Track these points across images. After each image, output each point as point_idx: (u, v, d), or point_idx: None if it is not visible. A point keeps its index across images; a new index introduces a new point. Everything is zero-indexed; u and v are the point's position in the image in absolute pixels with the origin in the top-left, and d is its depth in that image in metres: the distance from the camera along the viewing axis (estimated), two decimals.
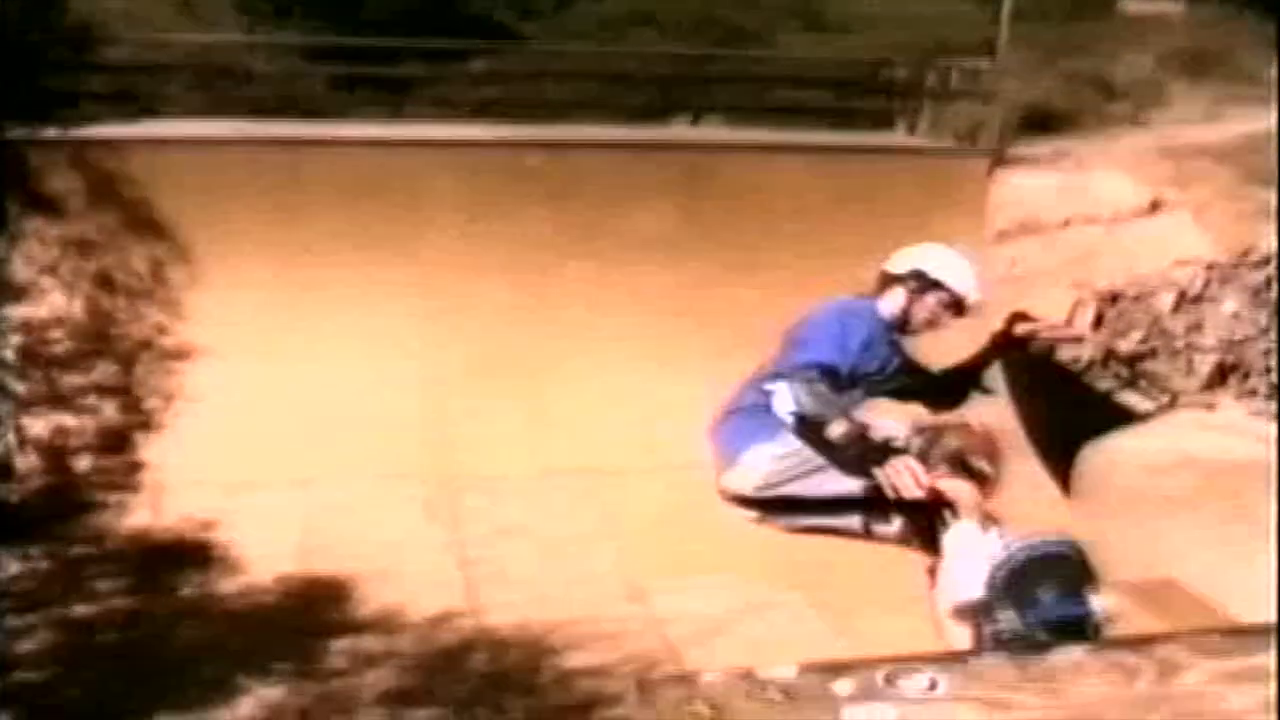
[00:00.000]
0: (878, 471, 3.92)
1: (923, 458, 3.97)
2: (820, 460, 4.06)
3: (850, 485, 4.06)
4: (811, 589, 7.37)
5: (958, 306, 4.37)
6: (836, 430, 3.90)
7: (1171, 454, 9.22)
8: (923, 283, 4.37)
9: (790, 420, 4.04)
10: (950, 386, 4.54)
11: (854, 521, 4.23)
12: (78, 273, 9.06)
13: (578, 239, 9.67)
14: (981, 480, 4.06)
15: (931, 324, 4.38)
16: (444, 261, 9.57)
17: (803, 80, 14.72)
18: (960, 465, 4.05)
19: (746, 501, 4.27)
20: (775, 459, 4.12)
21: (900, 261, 4.44)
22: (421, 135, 10.91)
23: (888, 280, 4.44)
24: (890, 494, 3.93)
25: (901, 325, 4.39)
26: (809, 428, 3.99)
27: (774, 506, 4.24)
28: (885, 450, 3.94)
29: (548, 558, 7.89)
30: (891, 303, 4.39)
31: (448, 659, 6.71)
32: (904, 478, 3.85)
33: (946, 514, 4.03)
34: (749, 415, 4.17)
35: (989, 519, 4.03)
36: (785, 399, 4.04)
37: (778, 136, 12.01)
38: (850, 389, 4.16)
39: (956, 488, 3.99)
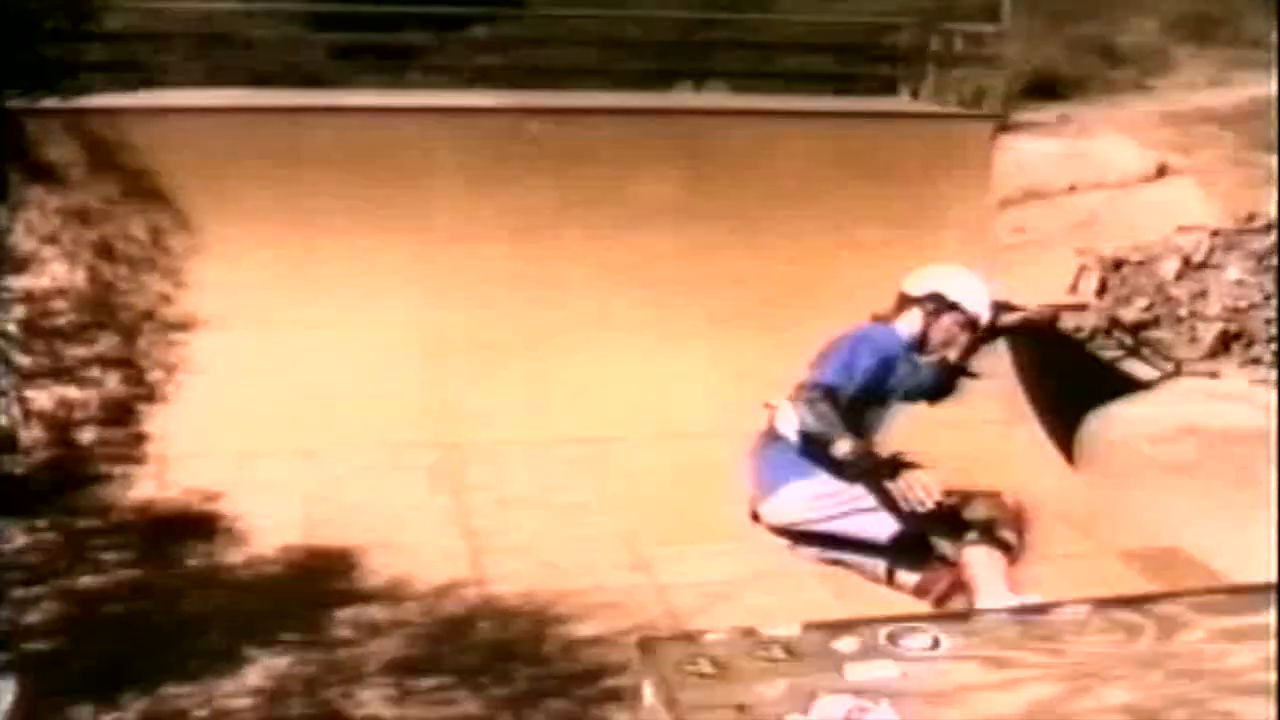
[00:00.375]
0: (890, 485, 4.08)
1: (952, 523, 4.17)
2: (858, 504, 4.20)
3: (881, 530, 4.21)
4: None
5: (973, 326, 4.52)
6: (842, 448, 4.03)
7: (1175, 422, 9.22)
8: (940, 305, 4.49)
9: (796, 438, 4.17)
10: (940, 378, 4.67)
11: (879, 566, 4.39)
12: (79, 242, 9.04)
13: (580, 206, 9.64)
14: (1007, 550, 4.23)
15: (948, 344, 4.55)
16: (445, 229, 9.55)
17: (806, 45, 14.62)
18: (988, 534, 4.22)
19: (778, 530, 4.44)
20: (813, 499, 4.26)
21: (917, 283, 4.56)
22: (422, 103, 10.85)
23: (905, 302, 4.55)
24: (904, 506, 4.09)
25: (919, 346, 4.53)
26: (815, 445, 4.12)
27: (805, 539, 4.41)
28: (896, 465, 4.09)
29: (551, 527, 7.91)
30: (909, 324, 4.52)
31: (453, 628, 6.74)
32: (917, 490, 4.01)
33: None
34: (789, 448, 4.25)
35: (1015, 588, 4.15)
36: (788, 418, 4.15)
37: (781, 102, 11.95)
38: (867, 409, 4.30)
39: (984, 555, 4.13)
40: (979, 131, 11.18)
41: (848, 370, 4.19)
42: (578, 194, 9.65)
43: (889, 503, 4.14)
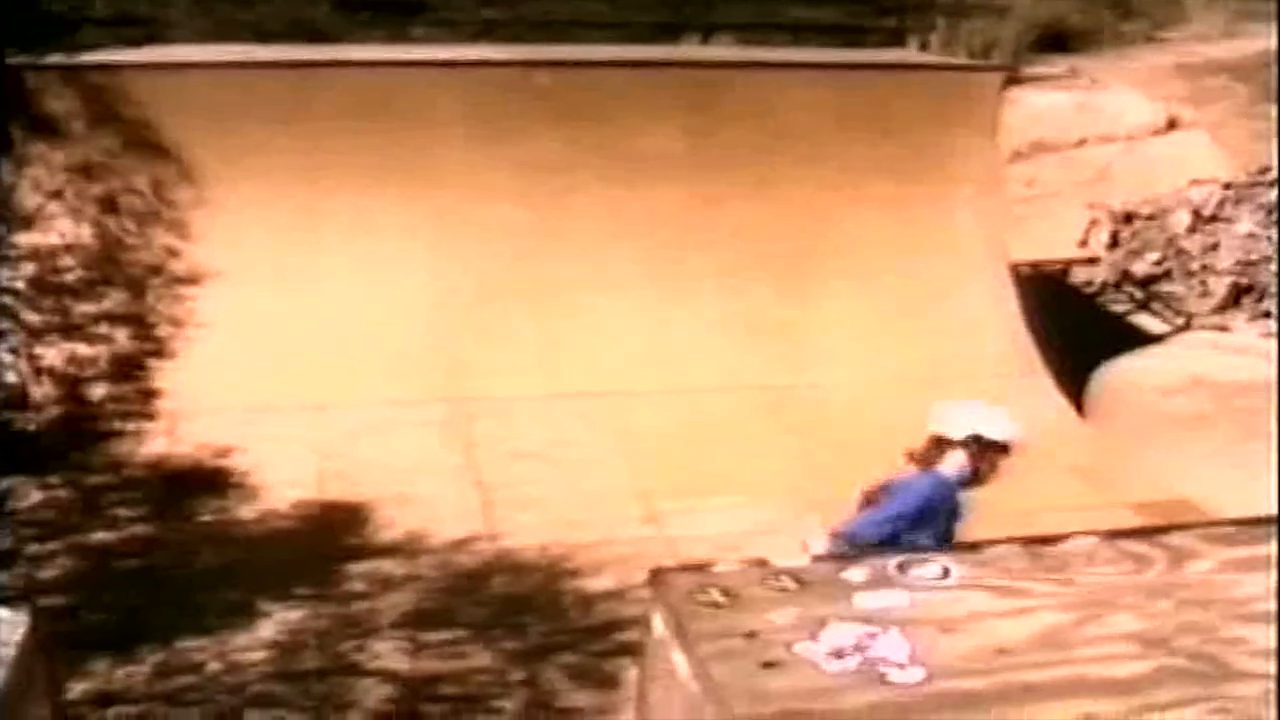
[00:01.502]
0: None
1: None
2: None
3: None
4: (826, 510, 7.39)
5: (1007, 450, 4.95)
6: None
7: (1185, 375, 9.21)
8: (981, 443, 4.87)
9: None
10: None
11: None
12: (84, 197, 9.00)
13: (587, 159, 9.57)
14: None
15: (991, 473, 4.94)
16: (452, 184, 9.49)
17: None
18: None
19: None
20: None
21: (950, 426, 4.92)
22: (428, 57, 10.77)
23: (943, 444, 4.90)
24: None
25: (970, 481, 4.90)
26: None
27: None
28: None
29: (562, 481, 7.92)
30: (955, 465, 4.88)
31: (466, 582, 6.77)
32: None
33: None
34: None
35: None
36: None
37: (789, 54, 11.85)
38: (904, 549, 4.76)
39: None
40: (988, 84, 11.06)
41: (872, 523, 4.69)
42: (585, 147, 9.58)
43: None
